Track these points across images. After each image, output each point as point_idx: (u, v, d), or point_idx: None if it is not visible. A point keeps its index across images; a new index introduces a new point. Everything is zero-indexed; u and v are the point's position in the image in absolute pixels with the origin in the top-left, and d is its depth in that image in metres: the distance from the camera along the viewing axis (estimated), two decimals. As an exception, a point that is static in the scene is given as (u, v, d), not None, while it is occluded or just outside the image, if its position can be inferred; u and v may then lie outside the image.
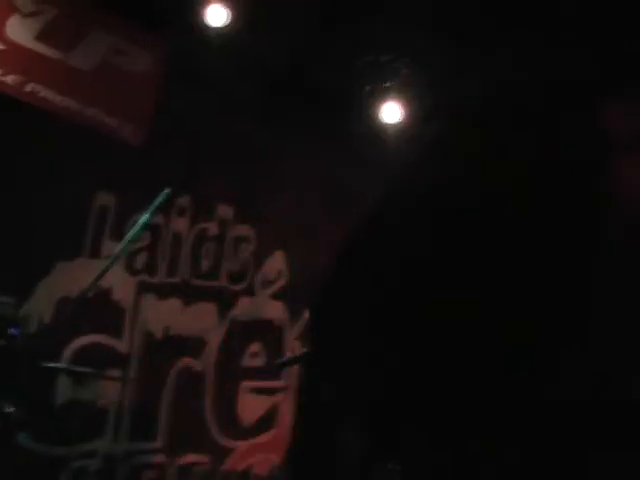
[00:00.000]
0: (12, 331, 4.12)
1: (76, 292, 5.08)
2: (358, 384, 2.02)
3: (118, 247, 3.82)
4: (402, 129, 6.23)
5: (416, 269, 2.10)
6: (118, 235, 5.29)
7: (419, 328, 2.03)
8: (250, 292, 6.08)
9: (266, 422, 6.16)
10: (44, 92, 4.99)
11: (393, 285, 2.17)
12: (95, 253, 5.24)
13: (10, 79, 4.88)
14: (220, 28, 5.35)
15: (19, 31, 4.86)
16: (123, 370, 5.35)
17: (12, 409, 4.05)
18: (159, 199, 3.39)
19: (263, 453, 6.13)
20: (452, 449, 1.96)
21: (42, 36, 4.95)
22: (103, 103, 5.25)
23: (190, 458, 5.68)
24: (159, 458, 5.52)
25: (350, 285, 2.18)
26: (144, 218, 3.46)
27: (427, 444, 1.99)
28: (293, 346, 6.33)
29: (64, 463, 5.05)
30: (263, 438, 6.14)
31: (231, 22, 5.34)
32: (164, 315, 5.57)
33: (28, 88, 4.93)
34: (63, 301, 5.08)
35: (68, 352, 5.10)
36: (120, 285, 5.32)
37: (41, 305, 5.00)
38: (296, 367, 6.22)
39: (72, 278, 5.11)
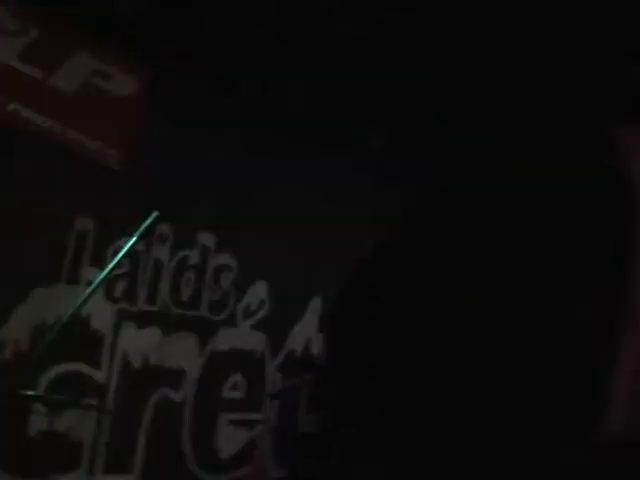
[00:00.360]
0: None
1: (53, 319, 4.96)
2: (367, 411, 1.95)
3: (102, 273, 3.71)
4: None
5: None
6: (97, 261, 5.18)
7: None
8: (231, 322, 5.97)
9: (245, 455, 6.03)
10: (26, 113, 4.88)
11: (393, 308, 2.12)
12: (74, 279, 5.11)
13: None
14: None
15: (1, 49, 4.75)
16: (100, 400, 5.20)
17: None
18: (147, 222, 3.29)
19: (242, 488, 6.01)
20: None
21: (25, 55, 4.84)
22: (85, 126, 5.14)
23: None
24: (136, 492, 5.38)
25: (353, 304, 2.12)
26: (130, 243, 3.35)
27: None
28: (274, 378, 6.22)
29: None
30: (242, 472, 6.00)
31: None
32: (143, 344, 5.44)
33: (10, 108, 4.82)
34: (40, 328, 4.95)
35: (44, 381, 4.95)
36: (99, 313, 5.18)
37: (17, 332, 4.85)
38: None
39: (49, 305, 4.98)
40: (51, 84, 4.99)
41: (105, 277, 3.39)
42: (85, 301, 3.92)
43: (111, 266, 3.34)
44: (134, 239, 3.30)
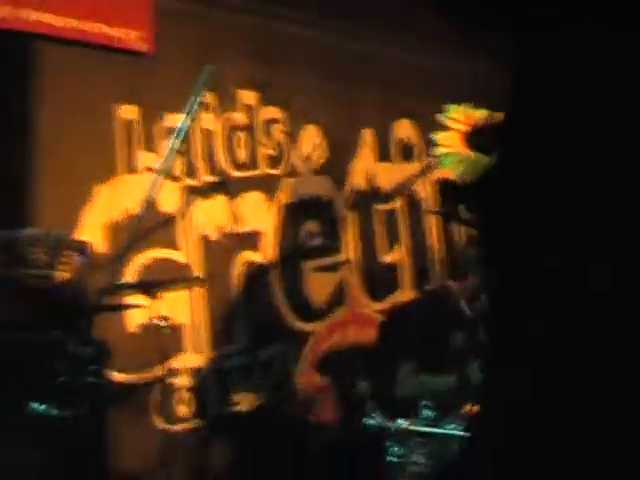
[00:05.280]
0: (81, 259, 4.01)
1: (121, 213, 4.98)
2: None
3: (172, 144, 3.60)
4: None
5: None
6: (149, 145, 5.14)
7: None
8: (292, 172, 5.92)
9: (337, 299, 6.07)
10: (37, 15, 4.76)
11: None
12: (131, 169, 5.08)
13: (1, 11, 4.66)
14: None
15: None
16: (188, 279, 5.23)
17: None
18: (202, 79, 3.17)
19: (340, 330, 6.06)
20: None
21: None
22: (101, 15, 5.01)
23: (272, 350, 5.61)
24: (243, 358, 5.45)
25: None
26: (194, 103, 3.24)
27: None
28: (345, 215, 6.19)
29: (150, 388, 4.99)
30: (337, 315, 6.06)
31: None
32: (214, 215, 5.43)
33: (21, 15, 4.70)
34: (110, 225, 4.95)
35: (130, 274, 4.99)
36: (164, 195, 5.15)
37: (90, 233, 4.86)
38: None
39: (114, 199, 4.98)
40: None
41: (176, 146, 3.29)
42: (158, 184, 3.86)
43: (181, 131, 3.24)
44: (196, 98, 3.20)
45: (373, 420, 3.88)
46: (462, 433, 3.78)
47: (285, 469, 5.15)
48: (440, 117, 2.81)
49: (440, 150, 2.75)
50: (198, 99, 3.30)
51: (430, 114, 3.19)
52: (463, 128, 2.79)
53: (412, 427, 3.84)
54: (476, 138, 2.74)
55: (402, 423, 3.83)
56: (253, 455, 5.19)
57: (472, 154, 2.72)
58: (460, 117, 2.78)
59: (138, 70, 5.10)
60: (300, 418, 5.60)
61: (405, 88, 6.52)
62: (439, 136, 2.76)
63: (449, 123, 2.80)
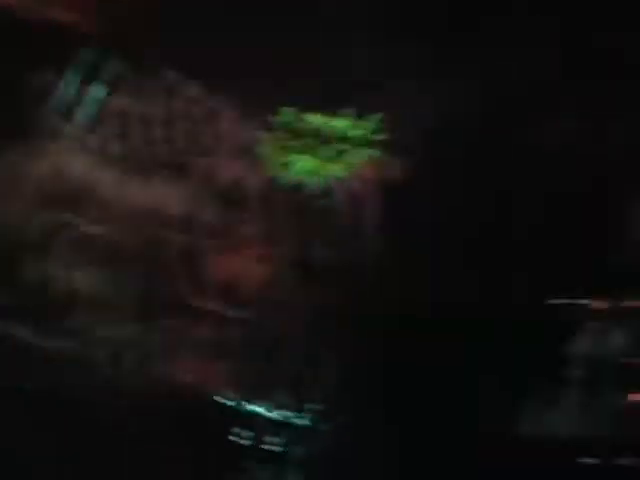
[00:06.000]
0: None
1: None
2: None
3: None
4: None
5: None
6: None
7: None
8: (207, 154, 5.92)
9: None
10: None
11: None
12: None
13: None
14: None
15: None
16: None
17: None
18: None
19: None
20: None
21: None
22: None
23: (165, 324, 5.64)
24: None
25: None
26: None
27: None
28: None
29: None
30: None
31: None
32: (124, 192, 5.50)
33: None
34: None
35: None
36: (76, 164, 5.25)
37: None
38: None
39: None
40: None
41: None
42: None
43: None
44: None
45: (224, 400, 3.92)
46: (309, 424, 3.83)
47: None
48: (273, 119, 2.89)
49: (265, 150, 2.83)
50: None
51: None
52: (293, 132, 2.87)
53: (261, 413, 3.87)
54: (303, 143, 2.82)
55: (252, 407, 3.87)
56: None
57: (301, 158, 2.80)
58: (291, 121, 2.85)
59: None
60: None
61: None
62: (267, 137, 2.84)
63: (280, 126, 2.88)
